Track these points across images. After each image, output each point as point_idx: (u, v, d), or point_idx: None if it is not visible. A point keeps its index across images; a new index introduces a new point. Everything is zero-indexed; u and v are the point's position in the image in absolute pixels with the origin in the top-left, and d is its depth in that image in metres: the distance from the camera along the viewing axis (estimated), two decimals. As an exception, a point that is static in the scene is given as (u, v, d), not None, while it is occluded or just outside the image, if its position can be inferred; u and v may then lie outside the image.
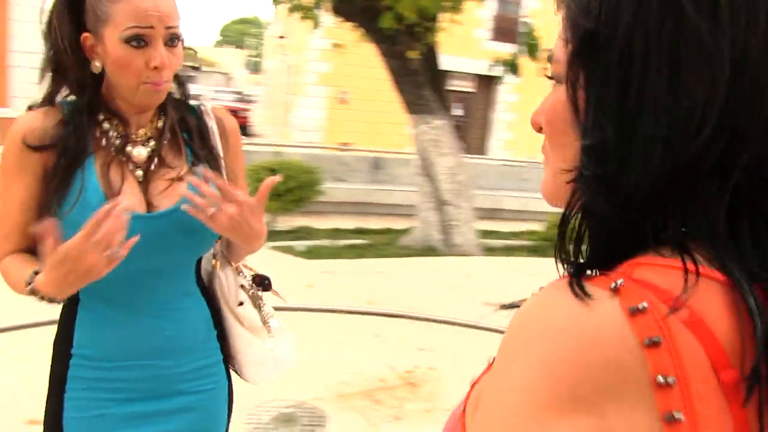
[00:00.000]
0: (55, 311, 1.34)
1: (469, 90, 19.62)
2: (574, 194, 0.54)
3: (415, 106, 7.07)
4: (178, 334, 1.32)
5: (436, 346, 4.30)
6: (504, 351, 0.51)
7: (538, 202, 11.37)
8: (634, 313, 0.46)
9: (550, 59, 0.61)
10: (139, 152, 1.28)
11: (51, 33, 1.25)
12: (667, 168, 0.49)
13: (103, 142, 1.26)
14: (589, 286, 0.49)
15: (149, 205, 1.26)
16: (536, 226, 9.12)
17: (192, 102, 1.39)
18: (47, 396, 1.33)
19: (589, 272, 0.52)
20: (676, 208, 0.51)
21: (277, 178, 1.29)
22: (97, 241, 1.06)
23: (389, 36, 6.46)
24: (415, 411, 3.38)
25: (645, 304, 0.47)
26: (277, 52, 25.22)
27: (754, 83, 0.49)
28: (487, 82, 19.62)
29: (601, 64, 0.52)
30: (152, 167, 1.28)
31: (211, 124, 1.38)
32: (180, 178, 1.28)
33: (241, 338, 1.41)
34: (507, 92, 19.73)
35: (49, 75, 1.26)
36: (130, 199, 1.23)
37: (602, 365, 0.46)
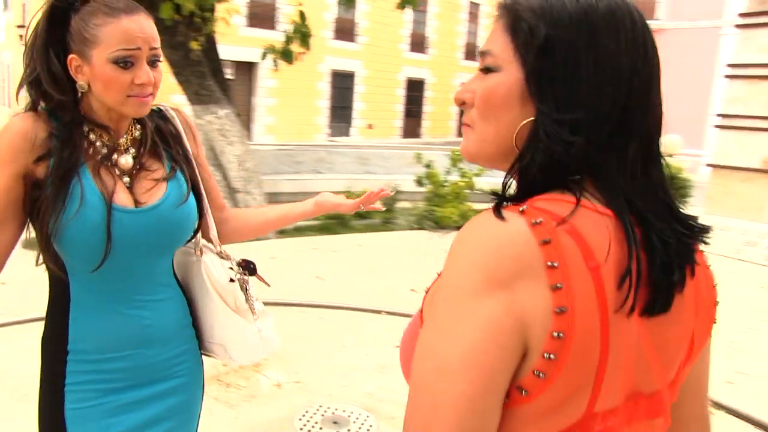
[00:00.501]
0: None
1: (229, 77, 19.41)
2: (528, 150, 0.77)
3: (199, 96, 7.03)
4: (160, 323, 1.41)
5: (264, 327, 4.50)
6: (449, 256, 0.73)
7: (314, 183, 11.84)
8: (535, 225, 0.70)
9: (484, 54, 0.82)
10: (126, 160, 1.37)
11: (33, 55, 1.30)
12: (593, 138, 0.75)
13: (91, 151, 1.34)
14: (504, 211, 0.72)
15: (136, 203, 1.35)
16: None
17: (155, 106, 1.47)
18: (42, 391, 1.38)
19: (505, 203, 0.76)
20: (591, 163, 0.76)
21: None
22: None
23: (168, 27, 6.35)
24: (265, 388, 3.59)
25: (541, 219, 0.71)
26: (17, 43, 22.38)
27: (641, 87, 0.77)
28: (246, 69, 19.61)
29: (551, 64, 0.76)
30: (134, 171, 1.38)
31: (179, 126, 1.49)
32: (163, 179, 1.40)
33: (228, 319, 1.49)
34: (266, 78, 19.91)
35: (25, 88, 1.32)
36: (122, 197, 1.34)
37: (514, 258, 0.69)
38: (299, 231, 8.23)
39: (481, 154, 0.85)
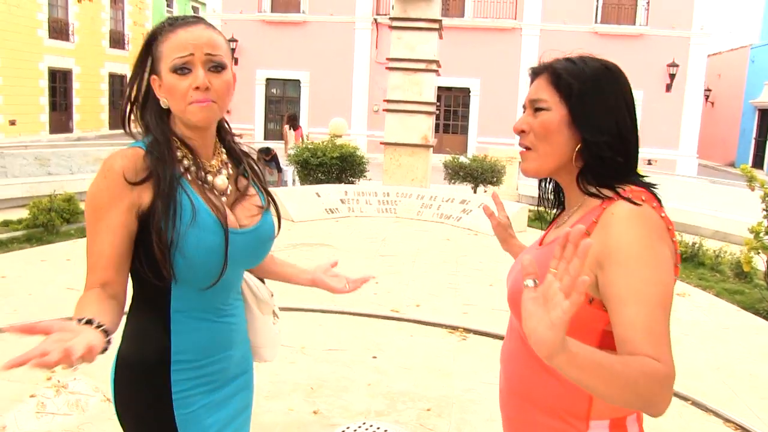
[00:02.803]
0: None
1: None
2: (579, 161, 1.29)
3: None
4: (240, 327, 1.58)
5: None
6: (622, 231, 1.17)
7: (11, 189, 10.36)
8: (654, 207, 1.21)
9: (535, 101, 1.31)
10: (222, 181, 1.49)
11: (132, 83, 1.46)
12: (616, 158, 1.28)
13: (189, 176, 1.44)
14: (638, 201, 1.20)
15: (240, 224, 1.48)
16: (16, 215, 8.62)
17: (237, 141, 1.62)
18: (142, 401, 1.43)
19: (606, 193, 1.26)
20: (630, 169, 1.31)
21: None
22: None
23: None
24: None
25: (655, 204, 1.22)
26: None
27: (634, 123, 1.31)
28: None
29: (586, 108, 1.27)
30: (229, 191, 1.50)
31: (261, 165, 1.67)
32: (261, 207, 1.56)
33: (265, 324, 1.71)
34: None
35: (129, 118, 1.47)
36: (231, 218, 1.45)
37: (660, 225, 1.20)
38: (4, 245, 7.44)
39: (543, 168, 1.35)
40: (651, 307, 1.11)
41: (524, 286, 0.97)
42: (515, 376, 1.38)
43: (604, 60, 1.34)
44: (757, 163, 25.43)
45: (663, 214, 1.23)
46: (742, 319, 5.86)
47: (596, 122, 1.28)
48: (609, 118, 1.29)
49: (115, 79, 28.23)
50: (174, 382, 1.43)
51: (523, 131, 1.35)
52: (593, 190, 1.29)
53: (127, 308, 1.46)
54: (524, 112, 1.38)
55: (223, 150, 1.57)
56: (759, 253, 6.08)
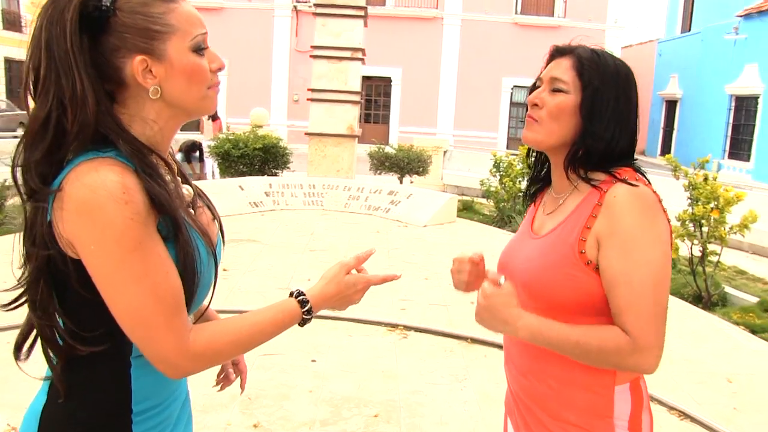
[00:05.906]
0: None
1: None
2: (575, 145, 1.37)
3: None
4: None
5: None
6: (621, 209, 1.27)
7: None
8: (647, 185, 1.32)
9: (556, 80, 1.39)
10: (189, 190, 1.25)
11: (67, 80, 1.05)
12: (614, 145, 1.38)
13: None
14: (633, 182, 1.29)
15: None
16: None
17: None
18: None
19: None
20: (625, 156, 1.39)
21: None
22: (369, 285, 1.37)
23: None
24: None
25: (647, 183, 1.33)
26: None
27: (636, 124, 1.41)
28: None
29: (595, 101, 1.36)
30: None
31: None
32: (213, 217, 1.32)
33: None
34: None
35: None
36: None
37: (657, 201, 1.29)
38: None
39: (543, 143, 1.43)
40: (638, 286, 1.26)
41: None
42: (540, 359, 1.43)
43: (621, 61, 1.44)
44: (665, 152, 26.58)
45: (656, 193, 1.33)
46: (670, 305, 5.97)
47: (600, 120, 1.36)
48: (614, 118, 1.37)
49: (12, 65, 25.59)
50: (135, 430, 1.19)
51: (536, 105, 1.42)
52: (584, 174, 1.39)
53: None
54: (539, 85, 1.45)
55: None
56: (684, 240, 6.23)
